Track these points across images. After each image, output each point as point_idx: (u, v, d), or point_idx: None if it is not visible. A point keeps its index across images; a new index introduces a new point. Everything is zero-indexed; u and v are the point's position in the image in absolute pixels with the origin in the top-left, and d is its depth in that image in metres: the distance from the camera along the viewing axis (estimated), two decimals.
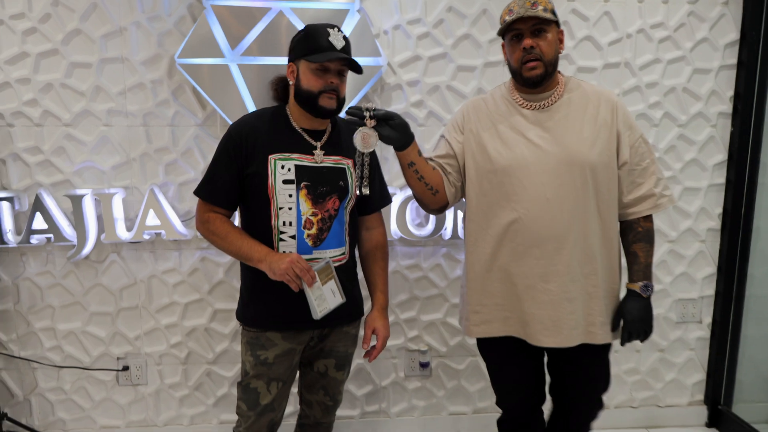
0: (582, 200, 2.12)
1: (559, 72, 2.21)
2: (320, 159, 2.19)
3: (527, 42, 2.08)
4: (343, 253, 2.27)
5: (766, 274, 3.38)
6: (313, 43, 2.12)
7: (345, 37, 2.15)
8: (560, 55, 2.17)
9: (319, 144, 2.20)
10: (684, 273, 3.39)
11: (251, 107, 2.91)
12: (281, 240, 2.18)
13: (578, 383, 2.36)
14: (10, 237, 2.95)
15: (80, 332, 3.15)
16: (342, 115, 2.89)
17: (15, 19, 2.86)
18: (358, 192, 2.13)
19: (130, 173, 3.02)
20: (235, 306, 3.13)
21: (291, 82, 2.20)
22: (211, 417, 3.30)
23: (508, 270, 2.21)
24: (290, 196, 2.15)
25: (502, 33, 2.17)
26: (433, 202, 2.30)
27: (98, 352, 3.17)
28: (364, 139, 2.03)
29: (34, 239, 2.95)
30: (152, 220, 2.97)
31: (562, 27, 2.21)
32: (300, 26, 2.87)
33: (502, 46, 2.23)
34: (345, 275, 2.29)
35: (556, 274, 2.15)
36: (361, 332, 3.01)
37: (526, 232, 2.15)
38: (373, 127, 2.04)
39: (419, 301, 3.27)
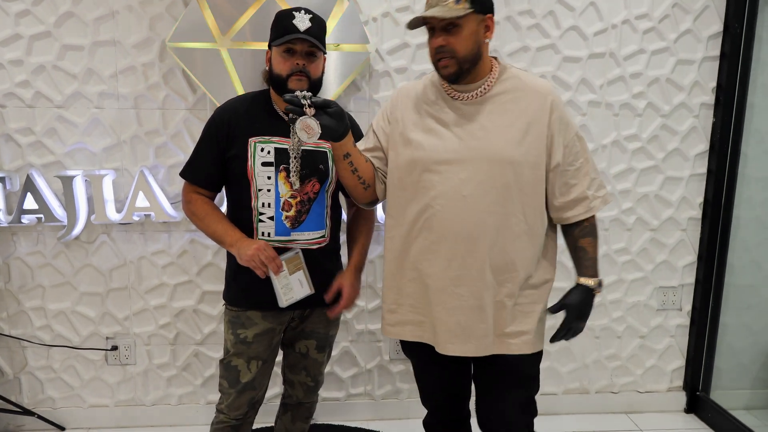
0: (502, 201, 1.96)
1: (495, 59, 2.07)
2: None
3: (436, 41, 1.93)
4: (323, 236, 2.31)
5: (745, 264, 3.45)
6: (279, 28, 2.17)
7: (313, 19, 2.17)
8: (488, 41, 1.99)
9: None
10: (665, 261, 3.45)
11: (241, 92, 2.95)
12: (260, 221, 2.23)
13: (496, 392, 2.17)
14: (1, 217, 2.98)
15: (70, 312, 3.19)
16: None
17: (8, 0, 2.88)
18: (290, 183, 2.15)
19: (120, 155, 3.06)
20: (223, 288, 3.17)
21: (267, 69, 2.27)
22: (198, 397, 3.35)
23: (420, 269, 2.05)
24: (269, 178, 2.21)
25: (418, 26, 1.99)
26: (363, 196, 2.19)
27: (87, 331, 3.22)
28: (307, 128, 1.91)
29: (25, 219, 2.99)
30: (142, 201, 3.00)
31: (491, 15, 1.97)
32: None
33: None
34: (325, 258, 2.34)
35: (468, 278, 1.99)
36: (348, 315, 3.07)
37: (438, 230, 1.99)
38: (313, 116, 1.92)
39: None
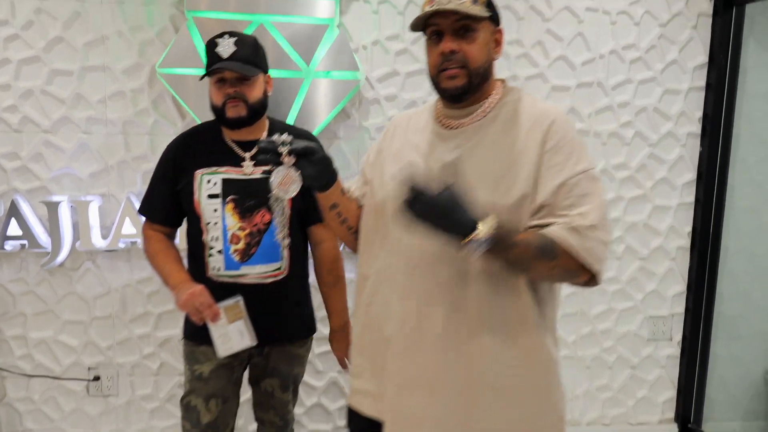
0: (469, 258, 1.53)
1: (501, 81, 1.71)
2: (249, 170, 2.16)
3: (447, 45, 1.57)
4: (279, 268, 2.21)
5: (734, 294, 3.45)
6: (208, 58, 2.13)
7: (239, 41, 2.10)
8: (497, 59, 1.68)
9: (248, 155, 2.18)
10: (654, 290, 3.44)
11: None
12: (210, 255, 2.17)
13: None
14: None
15: (52, 341, 3.11)
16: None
17: None
18: (280, 241, 1.89)
19: (107, 181, 3.03)
20: None
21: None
22: (181, 430, 3.26)
23: (381, 330, 1.69)
24: (215, 210, 2.15)
25: (420, 28, 1.65)
26: (356, 247, 1.86)
27: (69, 361, 3.14)
28: (285, 181, 1.60)
29: (8, 245, 2.93)
30: (128, 228, 2.96)
31: (503, 26, 1.70)
32: (281, 40, 2.92)
33: None
34: (283, 292, 2.24)
35: (424, 346, 1.62)
36: (323, 348, 3.01)
37: (395, 282, 1.65)
38: (293, 165, 1.59)
39: None
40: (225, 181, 2.14)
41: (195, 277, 2.20)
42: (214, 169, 2.16)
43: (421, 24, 1.62)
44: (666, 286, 3.45)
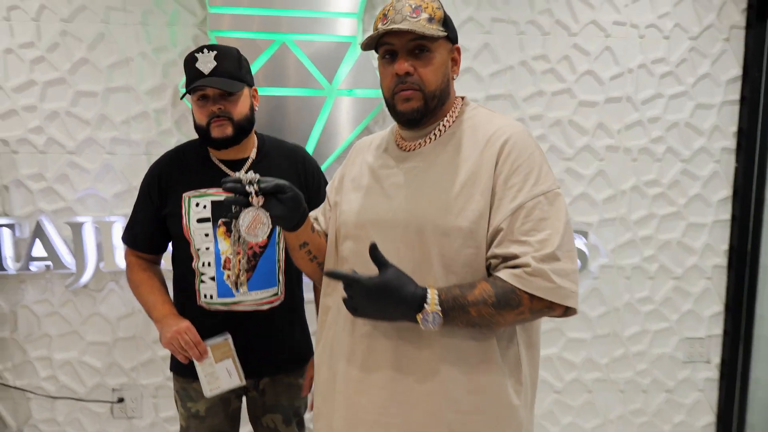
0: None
1: (461, 99, 1.65)
2: None
3: (401, 67, 1.48)
4: (275, 294, 2.11)
5: None
6: (187, 75, 2.03)
7: (219, 56, 1.98)
8: (455, 78, 1.62)
9: (238, 175, 2.10)
10: (690, 311, 3.32)
11: None
12: (202, 282, 2.07)
13: None
14: (10, 264, 2.94)
15: (76, 362, 3.11)
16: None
17: (24, 48, 2.91)
18: (235, 289, 1.75)
19: (131, 201, 2.95)
20: None
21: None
22: None
23: (333, 368, 1.61)
24: (206, 235, 2.04)
25: (372, 47, 1.58)
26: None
27: (93, 382, 3.13)
28: (254, 224, 1.49)
29: (34, 266, 2.95)
30: None
31: (458, 45, 1.61)
32: (303, 58, 2.91)
33: None
34: (281, 319, 2.15)
35: (371, 385, 1.51)
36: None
37: (344, 314, 1.54)
38: (261, 206, 1.48)
39: None
40: (214, 204, 2.04)
41: (183, 306, 2.12)
42: (202, 191, 2.06)
43: (373, 43, 1.55)
44: (702, 306, 3.33)
